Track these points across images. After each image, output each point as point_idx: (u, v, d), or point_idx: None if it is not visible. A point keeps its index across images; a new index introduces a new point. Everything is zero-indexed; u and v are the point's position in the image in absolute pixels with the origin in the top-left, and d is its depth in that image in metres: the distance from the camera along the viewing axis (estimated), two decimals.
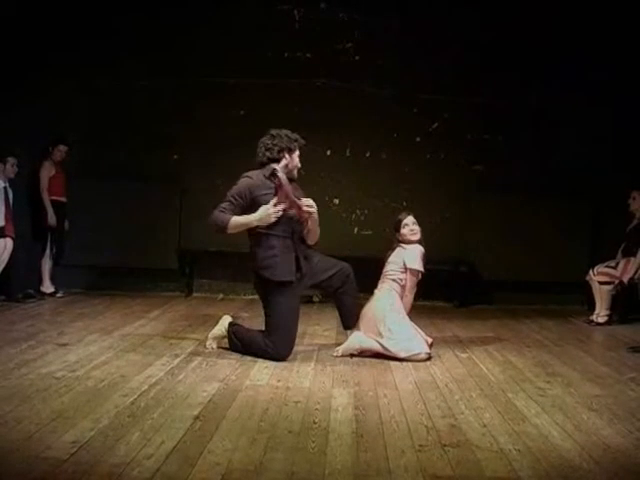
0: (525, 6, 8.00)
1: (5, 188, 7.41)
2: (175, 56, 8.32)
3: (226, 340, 5.34)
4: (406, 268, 5.46)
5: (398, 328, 5.30)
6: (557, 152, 8.41)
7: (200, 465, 2.99)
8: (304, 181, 8.37)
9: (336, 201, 8.57)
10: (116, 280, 8.60)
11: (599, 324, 7.22)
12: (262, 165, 5.22)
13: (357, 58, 8.51)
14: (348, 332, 5.52)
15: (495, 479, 2.98)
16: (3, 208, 7.30)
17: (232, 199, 5.06)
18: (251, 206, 5.05)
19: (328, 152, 8.52)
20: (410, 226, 5.60)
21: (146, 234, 8.34)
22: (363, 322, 5.44)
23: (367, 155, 8.58)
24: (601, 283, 7.32)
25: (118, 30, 8.19)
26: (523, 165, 8.33)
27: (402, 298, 5.47)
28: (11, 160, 7.47)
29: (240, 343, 5.22)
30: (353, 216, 8.57)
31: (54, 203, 7.93)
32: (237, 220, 5.02)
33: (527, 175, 8.30)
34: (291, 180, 5.23)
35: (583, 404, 4.16)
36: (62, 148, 8.01)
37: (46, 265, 8.01)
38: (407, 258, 5.48)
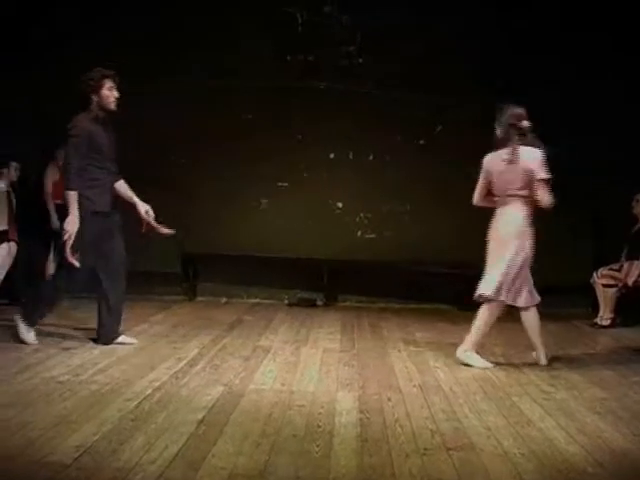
0: (526, 8, 8.00)
1: (8, 192, 7.42)
2: (177, 59, 8.31)
3: None
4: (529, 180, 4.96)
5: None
6: (558, 155, 8.37)
7: (204, 469, 2.99)
8: (308, 184, 8.54)
9: (339, 204, 8.56)
10: None
11: (603, 327, 7.20)
12: None
13: (360, 61, 8.51)
14: None
15: None
16: (7, 212, 7.31)
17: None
18: None
19: (331, 155, 8.50)
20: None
21: (149, 238, 8.32)
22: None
23: (370, 158, 8.56)
24: (605, 286, 7.31)
25: (120, 33, 8.18)
26: None
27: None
28: (14, 164, 7.49)
29: None
30: (357, 219, 8.54)
31: (58, 207, 7.93)
32: None
33: None
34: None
35: (588, 407, 4.15)
36: None
37: (49, 269, 8.00)
38: (530, 161, 5.00)
